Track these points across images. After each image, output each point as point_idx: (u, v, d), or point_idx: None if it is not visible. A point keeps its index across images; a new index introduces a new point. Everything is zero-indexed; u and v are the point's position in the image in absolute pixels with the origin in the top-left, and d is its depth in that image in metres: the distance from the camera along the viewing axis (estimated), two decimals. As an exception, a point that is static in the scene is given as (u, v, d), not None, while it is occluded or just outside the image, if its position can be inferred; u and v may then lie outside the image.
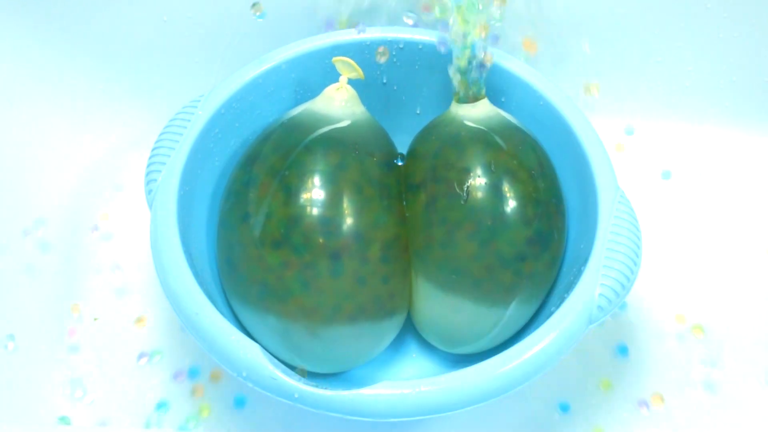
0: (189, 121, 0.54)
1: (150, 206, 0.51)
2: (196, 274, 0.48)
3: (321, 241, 0.47)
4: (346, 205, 0.48)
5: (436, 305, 0.50)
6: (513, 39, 0.70)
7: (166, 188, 0.51)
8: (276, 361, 0.43)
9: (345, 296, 0.47)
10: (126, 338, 0.61)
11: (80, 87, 0.71)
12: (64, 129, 0.70)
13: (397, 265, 0.50)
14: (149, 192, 0.51)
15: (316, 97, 0.54)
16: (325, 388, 0.42)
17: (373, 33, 0.59)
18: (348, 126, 0.52)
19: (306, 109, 0.54)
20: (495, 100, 0.61)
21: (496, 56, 0.58)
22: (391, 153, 0.55)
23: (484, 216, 0.46)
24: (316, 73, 0.61)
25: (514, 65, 0.58)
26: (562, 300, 0.47)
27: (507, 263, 0.47)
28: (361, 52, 0.60)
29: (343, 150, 0.50)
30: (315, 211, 0.47)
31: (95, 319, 0.62)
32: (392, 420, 0.45)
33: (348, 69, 0.54)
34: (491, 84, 0.60)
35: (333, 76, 0.62)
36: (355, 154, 0.50)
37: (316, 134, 0.51)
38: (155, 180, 0.51)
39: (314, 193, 0.48)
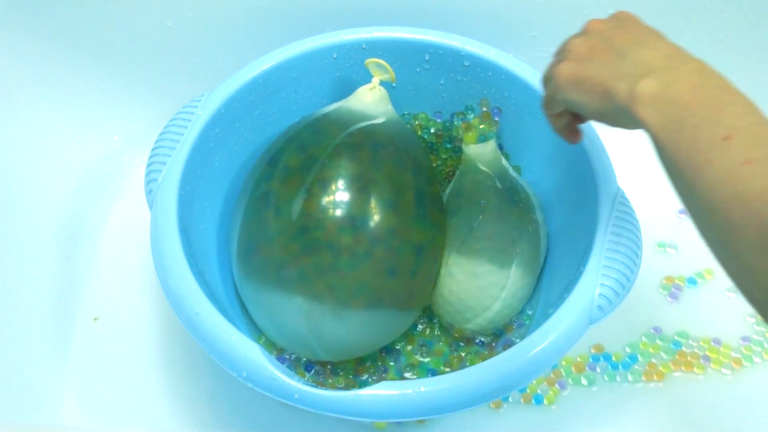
0: (189, 121, 0.54)
1: (150, 206, 0.51)
2: (196, 274, 0.48)
3: (356, 229, 0.49)
4: (383, 197, 0.51)
5: (459, 273, 0.53)
6: (514, 38, 0.70)
7: (166, 188, 0.51)
8: (276, 361, 0.43)
9: (373, 284, 0.50)
10: (126, 338, 0.61)
11: (80, 87, 0.71)
12: (64, 129, 0.70)
13: (425, 265, 0.53)
14: (149, 192, 0.51)
15: (349, 96, 0.57)
16: (325, 389, 0.42)
17: (371, 33, 0.60)
18: (383, 123, 0.55)
19: (340, 106, 0.56)
20: (496, 100, 0.61)
21: (496, 56, 0.59)
22: (421, 151, 0.58)
23: (496, 220, 0.55)
24: (316, 73, 0.61)
25: (515, 65, 0.58)
26: (562, 300, 0.47)
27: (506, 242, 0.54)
28: (361, 52, 0.60)
29: (381, 144, 0.54)
30: (350, 200, 0.50)
31: (95, 319, 0.62)
32: (392, 420, 0.45)
33: (381, 71, 0.56)
34: (493, 84, 0.60)
35: (333, 76, 0.62)
36: (392, 149, 0.54)
37: (354, 128, 0.53)
38: (155, 180, 0.51)
39: (352, 183, 0.50)
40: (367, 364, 0.54)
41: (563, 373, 0.59)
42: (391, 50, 0.60)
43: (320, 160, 0.51)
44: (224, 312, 0.47)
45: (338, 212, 0.49)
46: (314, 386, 0.42)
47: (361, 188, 0.50)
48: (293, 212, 0.50)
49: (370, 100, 0.55)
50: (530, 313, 0.57)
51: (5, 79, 0.66)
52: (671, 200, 0.70)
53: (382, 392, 0.42)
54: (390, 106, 0.56)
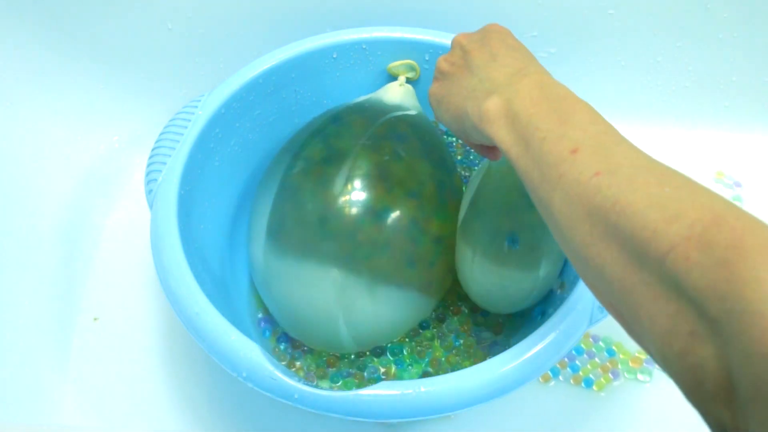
0: (189, 121, 0.54)
1: (150, 206, 0.51)
2: (196, 274, 0.47)
3: (395, 212, 0.51)
4: (416, 182, 0.53)
5: (489, 275, 0.53)
6: (516, 35, 0.70)
7: (166, 188, 0.51)
8: (276, 361, 0.43)
9: (405, 263, 0.52)
10: (126, 338, 0.61)
11: (80, 87, 0.71)
12: (64, 129, 0.70)
13: (443, 257, 0.54)
14: (149, 192, 0.51)
15: (377, 90, 0.59)
16: (325, 388, 0.42)
17: (371, 33, 0.60)
18: (417, 114, 0.58)
19: (371, 98, 0.59)
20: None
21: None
22: (445, 144, 0.60)
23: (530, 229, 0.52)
24: (316, 73, 0.61)
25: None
26: (562, 300, 0.47)
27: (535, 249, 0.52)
28: (361, 52, 0.60)
29: (417, 133, 0.56)
30: (390, 182, 0.52)
31: (95, 319, 0.62)
32: (392, 421, 0.45)
33: (406, 69, 0.60)
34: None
35: (333, 76, 0.62)
36: (428, 138, 0.56)
37: (391, 116, 0.56)
38: (155, 180, 0.51)
39: (391, 166, 0.52)
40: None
41: (619, 365, 0.59)
42: (391, 50, 0.60)
43: (360, 141, 0.53)
44: (226, 310, 0.47)
45: (380, 193, 0.51)
46: (314, 386, 0.42)
47: (399, 171, 0.53)
48: (336, 190, 0.51)
49: (401, 95, 0.59)
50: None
51: (5, 79, 0.66)
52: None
53: (382, 392, 0.42)
54: (417, 102, 0.60)
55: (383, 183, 0.52)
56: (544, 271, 0.51)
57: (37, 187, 0.65)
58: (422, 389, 0.42)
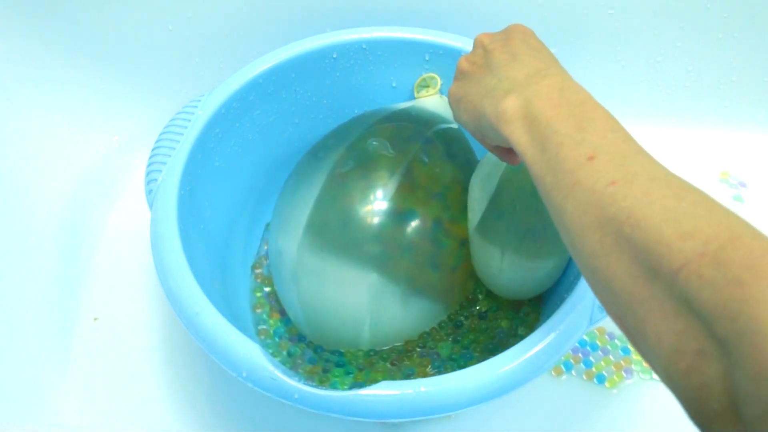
0: (189, 121, 0.54)
1: (150, 206, 0.51)
2: (196, 274, 0.47)
3: (441, 222, 0.53)
4: (464, 194, 0.54)
5: (520, 270, 0.53)
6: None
7: (166, 188, 0.50)
8: (276, 361, 0.43)
9: (437, 275, 0.53)
10: (126, 338, 0.61)
11: (80, 87, 0.71)
12: (65, 129, 0.70)
13: (464, 265, 0.55)
14: (149, 192, 0.51)
15: (414, 100, 0.61)
16: (325, 389, 0.42)
17: (371, 33, 0.60)
18: (458, 129, 0.59)
19: (415, 105, 0.60)
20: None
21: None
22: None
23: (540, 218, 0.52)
24: (316, 73, 0.61)
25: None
26: (562, 300, 0.47)
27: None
28: (361, 52, 0.60)
29: (459, 147, 0.57)
30: (438, 192, 0.53)
31: (95, 319, 0.62)
32: (392, 420, 0.45)
33: (434, 83, 0.62)
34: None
35: (333, 76, 0.62)
36: (467, 153, 0.58)
37: (438, 128, 0.57)
38: (155, 180, 0.51)
39: (440, 176, 0.54)
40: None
41: (633, 364, 0.59)
42: (391, 50, 0.60)
43: (413, 149, 0.54)
44: (226, 311, 0.47)
45: (430, 202, 0.53)
46: (314, 386, 0.42)
47: (447, 183, 0.54)
48: (386, 195, 0.52)
49: (441, 105, 0.60)
50: None
51: (5, 79, 0.66)
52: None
53: (382, 392, 0.42)
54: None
55: (432, 192, 0.53)
56: (558, 261, 0.53)
57: (37, 187, 0.65)
58: (422, 389, 0.42)
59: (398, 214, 0.52)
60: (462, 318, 0.57)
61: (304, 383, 0.43)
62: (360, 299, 0.51)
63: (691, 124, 0.76)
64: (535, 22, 0.70)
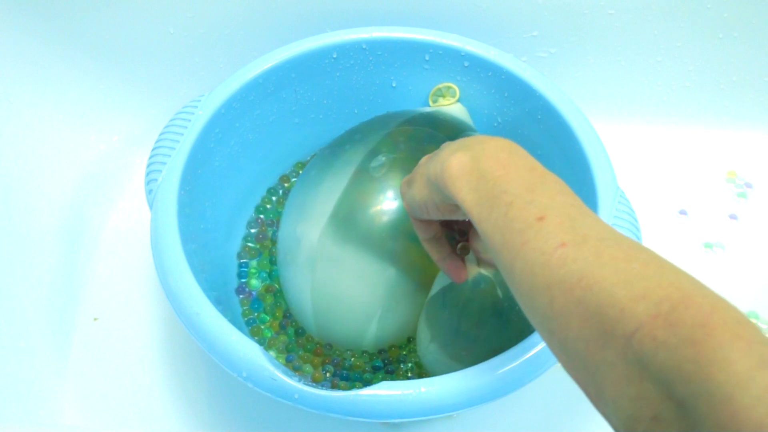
0: (189, 121, 0.54)
1: (150, 206, 0.51)
2: (196, 274, 0.47)
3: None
4: None
5: (442, 364, 0.51)
6: (514, 38, 0.70)
7: (166, 188, 0.50)
8: (276, 361, 0.43)
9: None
10: (126, 338, 0.61)
11: (80, 87, 0.71)
12: (64, 129, 0.70)
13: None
14: (149, 192, 0.51)
15: (436, 106, 0.61)
16: (325, 389, 0.42)
17: (371, 33, 0.60)
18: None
19: (441, 110, 0.61)
20: (496, 100, 0.61)
21: (496, 56, 0.59)
22: None
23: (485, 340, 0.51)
24: (316, 73, 0.61)
25: (515, 65, 0.58)
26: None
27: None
28: (361, 52, 0.60)
29: None
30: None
31: (95, 319, 0.62)
32: (392, 420, 0.45)
33: (452, 94, 0.62)
34: (493, 84, 0.60)
35: (332, 76, 0.62)
36: None
37: (464, 135, 0.57)
38: (155, 180, 0.51)
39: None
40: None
41: None
42: (391, 50, 0.60)
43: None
44: (226, 311, 0.47)
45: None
46: (314, 386, 0.42)
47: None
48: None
49: (464, 114, 0.61)
50: None
51: (5, 79, 0.66)
52: (671, 200, 0.71)
53: (382, 392, 0.42)
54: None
55: None
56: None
57: (37, 187, 0.65)
58: (422, 389, 0.42)
59: None
60: None
61: (304, 383, 0.43)
62: (375, 291, 0.52)
63: (692, 124, 0.76)
64: (535, 22, 0.70)
